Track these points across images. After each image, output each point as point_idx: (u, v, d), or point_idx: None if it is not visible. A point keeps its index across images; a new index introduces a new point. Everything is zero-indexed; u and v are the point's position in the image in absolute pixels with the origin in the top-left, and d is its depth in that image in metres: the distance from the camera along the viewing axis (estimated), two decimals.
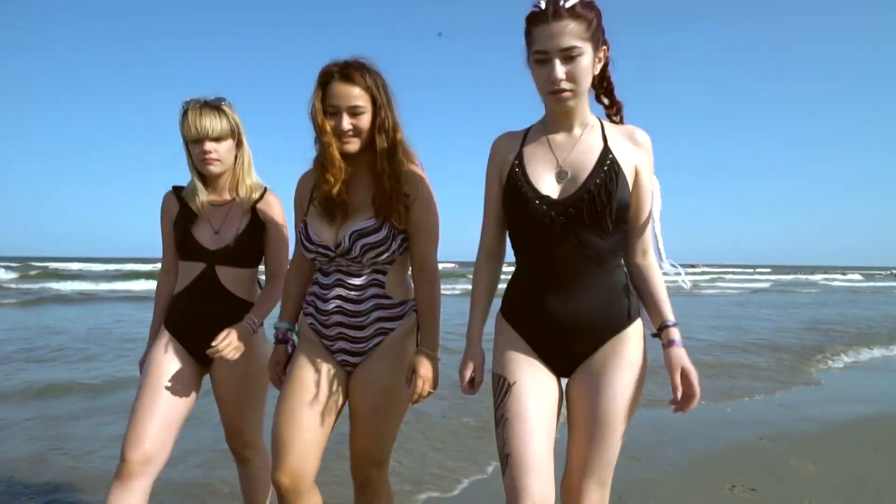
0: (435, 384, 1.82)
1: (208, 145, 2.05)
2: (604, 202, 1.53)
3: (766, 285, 32.70)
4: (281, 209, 2.17)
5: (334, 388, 1.87)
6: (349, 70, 1.80)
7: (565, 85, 1.52)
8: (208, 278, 2.09)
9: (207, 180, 2.13)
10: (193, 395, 2.10)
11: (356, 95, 1.80)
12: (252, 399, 2.20)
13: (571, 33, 1.49)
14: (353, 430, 1.91)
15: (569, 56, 1.50)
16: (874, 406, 4.97)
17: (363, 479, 1.93)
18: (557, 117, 1.63)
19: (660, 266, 1.67)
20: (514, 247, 1.70)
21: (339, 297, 1.86)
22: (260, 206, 2.13)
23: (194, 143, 2.07)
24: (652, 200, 1.65)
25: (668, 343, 1.58)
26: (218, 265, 2.09)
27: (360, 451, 1.91)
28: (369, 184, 1.86)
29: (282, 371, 1.97)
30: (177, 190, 2.21)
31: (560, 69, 1.50)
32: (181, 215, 2.14)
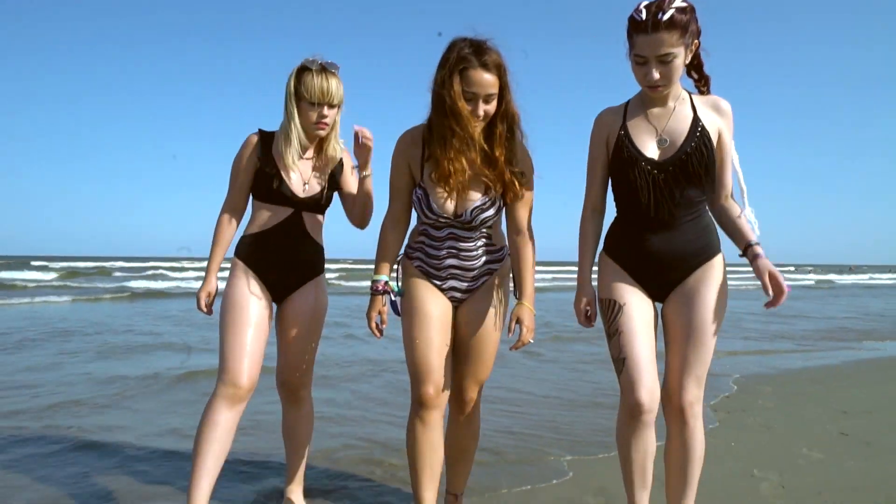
0: (533, 333, 2.06)
1: (327, 111, 2.20)
2: (697, 163, 1.90)
3: (811, 282, 31.97)
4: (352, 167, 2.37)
5: (449, 318, 2.13)
6: (486, 58, 1.93)
7: (661, 82, 1.87)
8: (294, 223, 2.28)
9: (305, 137, 2.25)
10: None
11: (492, 84, 1.94)
12: (317, 336, 2.37)
13: (666, 42, 1.80)
14: (461, 356, 2.16)
15: (664, 61, 1.83)
16: None
17: (468, 398, 2.19)
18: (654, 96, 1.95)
19: (741, 209, 1.99)
20: (616, 200, 2.05)
21: (452, 247, 2.10)
22: (341, 165, 2.36)
23: (312, 105, 2.18)
24: (733, 156, 1.99)
25: (754, 257, 1.91)
26: (304, 212, 2.29)
27: (469, 373, 2.16)
28: (480, 158, 2.02)
29: (381, 321, 2.12)
30: (263, 136, 2.27)
31: (656, 72, 1.85)
32: (268, 163, 2.24)
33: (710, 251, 1.97)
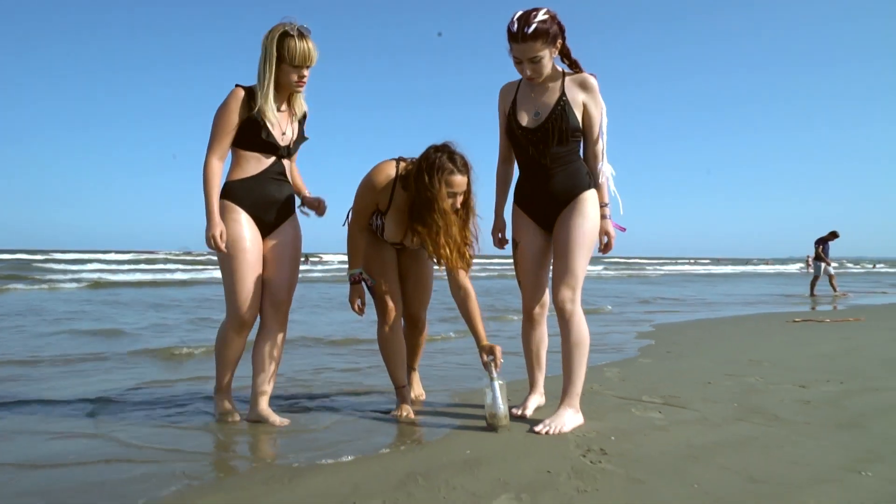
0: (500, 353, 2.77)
1: (306, 72, 2.52)
2: (556, 128, 2.56)
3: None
4: None
5: (395, 260, 2.95)
6: (459, 163, 2.64)
7: (533, 76, 2.55)
8: (277, 168, 2.64)
9: (280, 93, 2.58)
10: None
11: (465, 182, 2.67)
12: (298, 263, 2.78)
13: (533, 49, 2.46)
14: (408, 288, 3.02)
15: (533, 61, 2.49)
16: None
17: (417, 319, 3.10)
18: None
19: (600, 166, 2.66)
20: (516, 157, 2.75)
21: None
22: (304, 117, 2.75)
23: (294, 67, 2.49)
24: (601, 124, 2.62)
25: (601, 216, 2.68)
26: (283, 159, 2.66)
27: (415, 299, 3.05)
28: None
29: (361, 303, 2.85)
30: (247, 92, 2.53)
31: (528, 69, 2.52)
32: (253, 115, 2.51)
33: (577, 190, 2.61)
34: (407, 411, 2.83)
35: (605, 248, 2.72)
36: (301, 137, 2.72)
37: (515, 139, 2.66)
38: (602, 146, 2.64)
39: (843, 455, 2.26)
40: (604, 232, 2.70)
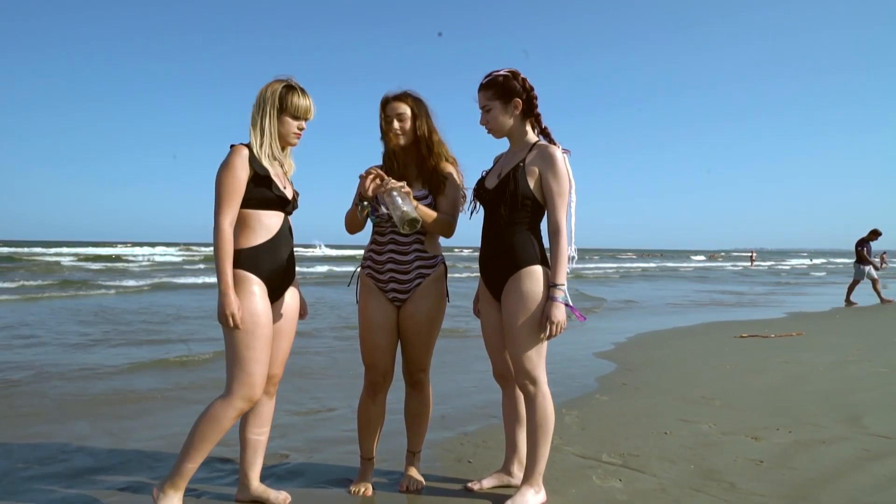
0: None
1: (304, 124, 2.51)
2: (504, 193, 2.52)
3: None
4: None
5: (392, 322, 2.74)
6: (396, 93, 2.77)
7: (484, 124, 2.65)
8: (287, 227, 2.54)
9: (279, 146, 2.50)
10: None
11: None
12: (295, 331, 2.67)
13: (483, 97, 2.60)
14: (406, 347, 2.78)
15: (484, 109, 2.61)
16: None
17: (415, 380, 2.83)
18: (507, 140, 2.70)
19: (568, 246, 2.50)
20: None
21: (391, 250, 2.72)
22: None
23: (294, 118, 2.47)
24: (566, 198, 2.50)
25: (549, 297, 2.46)
26: (289, 215, 2.57)
27: (412, 359, 2.79)
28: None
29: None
30: (251, 150, 2.41)
31: (481, 118, 2.64)
32: (259, 173, 2.39)
33: (519, 262, 2.48)
34: (365, 488, 2.75)
35: (548, 335, 2.46)
36: (296, 193, 2.63)
37: (479, 199, 2.69)
38: (560, 222, 2.47)
39: None
40: (547, 316, 2.43)
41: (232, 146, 2.40)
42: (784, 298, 15.16)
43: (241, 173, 2.35)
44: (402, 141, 2.71)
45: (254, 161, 2.38)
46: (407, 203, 2.46)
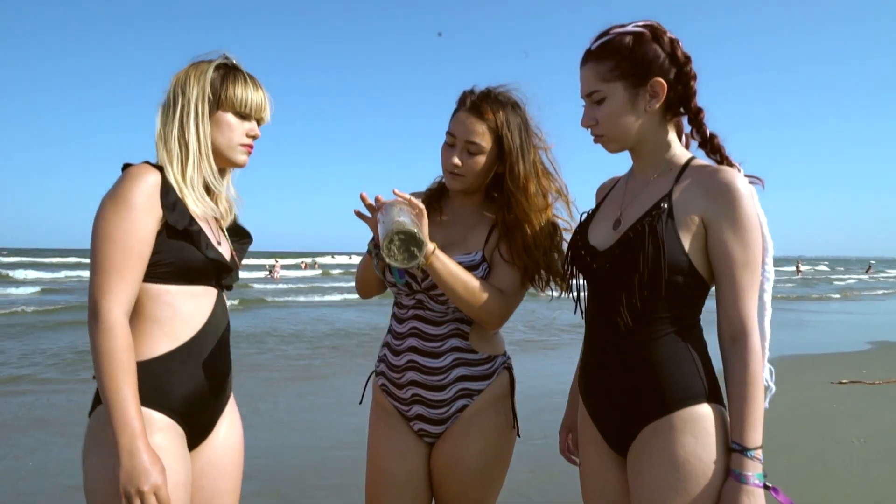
0: None
1: (257, 129, 1.54)
2: (636, 253, 1.32)
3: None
4: None
5: (419, 474, 1.68)
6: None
7: (595, 127, 1.44)
8: (222, 310, 1.51)
9: (216, 167, 1.50)
10: None
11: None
12: (240, 481, 1.66)
13: (591, 76, 1.42)
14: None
15: (595, 98, 1.43)
16: None
17: None
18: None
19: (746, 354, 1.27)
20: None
21: (412, 348, 1.65)
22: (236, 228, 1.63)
23: (241, 117, 1.50)
24: (758, 271, 1.32)
25: (732, 472, 1.25)
26: (226, 290, 1.55)
27: None
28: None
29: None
30: (164, 177, 1.39)
31: (587, 114, 1.46)
32: (182, 215, 1.39)
33: (668, 401, 1.32)
34: None
35: None
36: (242, 248, 1.63)
37: (580, 267, 1.52)
38: (748, 317, 1.30)
39: None
40: None
41: (127, 167, 1.40)
42: (850, 318, 13.49)
43: (145, 218, 1.34)
44: (463, 185, 1.68)
45: (168, 195, 1.38)
46: (405, 214, 1.47)
